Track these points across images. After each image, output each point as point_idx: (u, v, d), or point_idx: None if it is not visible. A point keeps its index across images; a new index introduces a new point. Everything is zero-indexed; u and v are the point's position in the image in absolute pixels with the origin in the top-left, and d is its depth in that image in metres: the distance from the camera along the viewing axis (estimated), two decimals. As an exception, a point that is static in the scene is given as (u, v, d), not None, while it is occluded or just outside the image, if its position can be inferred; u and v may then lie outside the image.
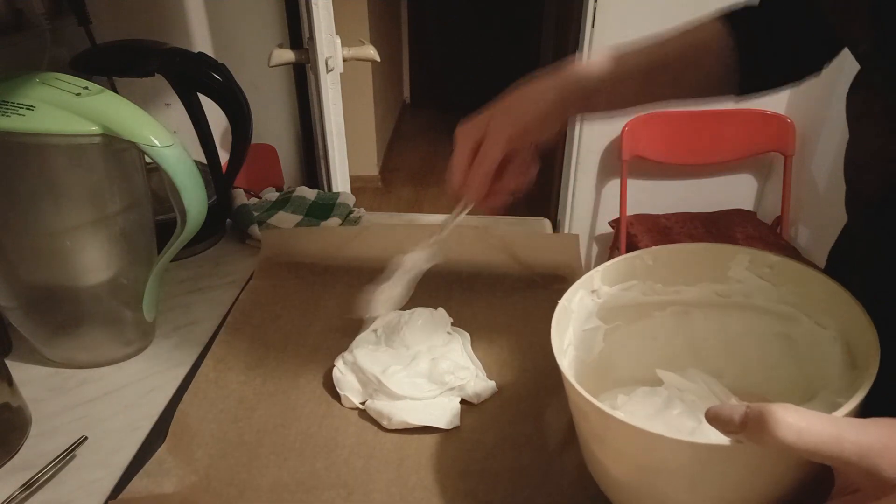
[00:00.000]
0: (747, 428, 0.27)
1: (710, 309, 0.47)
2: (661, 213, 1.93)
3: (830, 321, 0.40)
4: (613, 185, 2.00)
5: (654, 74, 0.51)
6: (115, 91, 0.53)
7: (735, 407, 0.27)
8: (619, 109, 0.53)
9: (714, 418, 0.28)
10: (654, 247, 0.46)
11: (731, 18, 0.51)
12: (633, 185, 1.95)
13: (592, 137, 1.94)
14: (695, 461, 0.32)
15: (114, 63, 0.72)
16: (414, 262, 0.55)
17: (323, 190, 0.95)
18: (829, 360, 0.38)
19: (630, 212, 1.90)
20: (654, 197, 1.98)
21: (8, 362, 0.50)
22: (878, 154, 0.39)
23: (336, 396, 0.53)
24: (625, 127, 1.85)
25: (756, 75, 0.51)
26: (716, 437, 0.29)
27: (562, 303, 0.42)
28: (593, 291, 0.46)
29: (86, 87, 0.49)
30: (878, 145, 0.39)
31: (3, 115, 0.45)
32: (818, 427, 0.25)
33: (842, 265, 0.50)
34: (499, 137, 0.47)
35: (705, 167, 1.94)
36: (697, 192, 1.99)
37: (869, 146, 0.40)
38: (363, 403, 0.52)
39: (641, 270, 0.46)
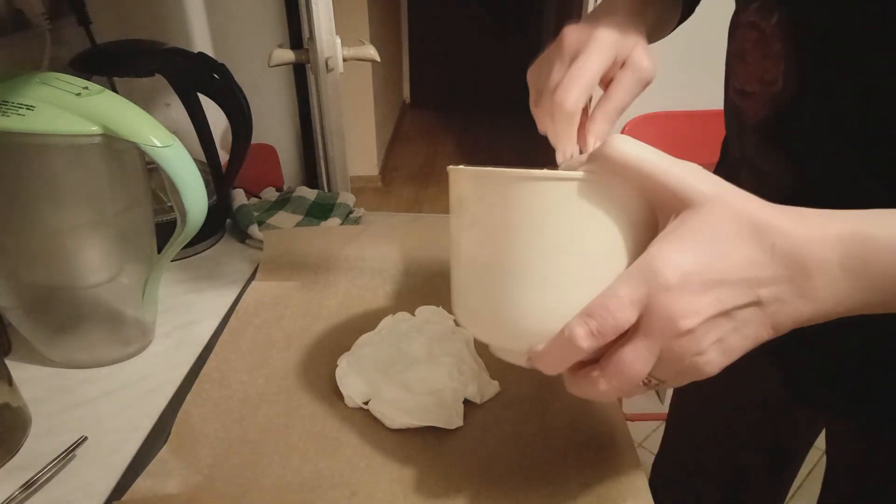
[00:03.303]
0: (596, 151, 0.31)
1: None
2: (661, 212, 1.93)
3: None
4: (613, 185, 1.99)
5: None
6: (115, 91, 0.53)
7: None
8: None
9: (563, 159, 0.36)
10: None
11: None
12: (634, 184, 1.95)
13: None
14: (551, 202, 0.32)
15: (114, 63, 0.72)
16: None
17: (323, 190, 0.95)
18: None
19: (630, 211, 1.90)
20: (655, 196, 1.97)
21: (8, 362, 0.50)
22: (762, 79, 0.43)
23: (339, 396, 0.53)
24: (625, 127, 1.85)
25: None
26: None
27: None
28: None
29: (86, 87, 0.48)
30: (762, 73, 0.43)
31: (3, 115, 0.45)
32: (655, 152, 0.30)
33: None
34: (602, 44, 0.40)
35: (705, 167, 1.94)
36: (697, 191, 1.99)
37: (753, 76, 0.44)
38: (366, 403, 0.52)
39: None
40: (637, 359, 0.29)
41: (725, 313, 0.28)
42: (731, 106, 0.50)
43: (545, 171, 0.32)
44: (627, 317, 0.28)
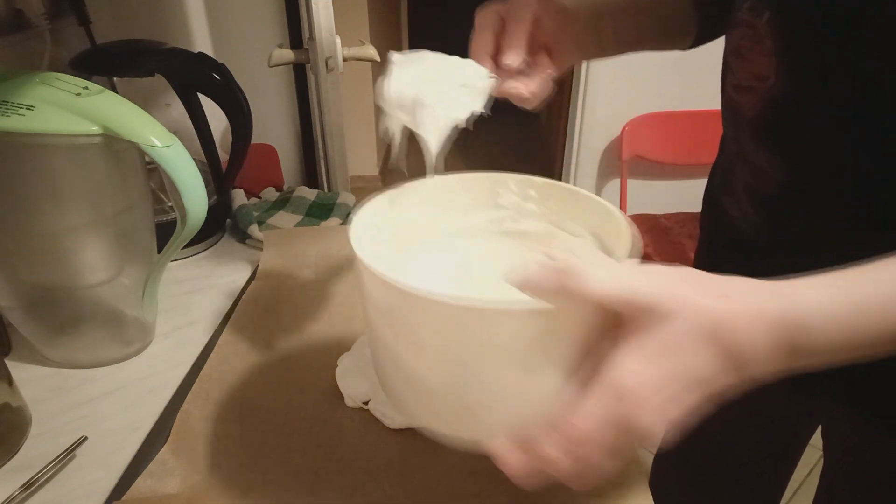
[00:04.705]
0: (560, 286, 0.29)
1: (487, 237, 0.46)
2: (661, 213, 1.93)
3: (584, 229, 0.41)
4: (613, 185, 2.00)
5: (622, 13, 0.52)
6: (115, 91, 0.53)
7: (542, 271, 0.29)
8: (597, 49, 0.52)
9: (524, 283, 0.30)
10: (444, 175, 0.45)
11: None
12: (633, 185, 1.95)
13: (592, 137, 1.94)
14: (514, 327, 0.31)
15: (114, 63, 0.72)
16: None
17: (323, 190, 0.95)
18: None
19: (630, 212, 1.90)
20: (654, 197, 1.97)
21: (8, 362, 0.50)
22: (757, 75, 0.44)
23: (339, 396, 0.53)
24: (625, 127, 1.85)
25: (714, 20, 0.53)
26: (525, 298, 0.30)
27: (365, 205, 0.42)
28: (391, 201, 0.46)
29: (86, 87, 0.48)
30: (757, 70, 0.44)
31: (3, 115, 0.45)
32: (626, 272, 0.30)
33: (720, 195, 0.58)
34: (525, 12, 0.46)
35: (705, 167, 1.94)
36: (697, 192, 1.99)
37: (749, 72, 0.45)
38: (366, 403, 0.52)
39: (425, 193, 0.46)
40: (599, 457, 0.30)
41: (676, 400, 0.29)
42: (728, 101, 0.51)
43: (508, 300, 0.29)
44: (605, 437, 0.29)
